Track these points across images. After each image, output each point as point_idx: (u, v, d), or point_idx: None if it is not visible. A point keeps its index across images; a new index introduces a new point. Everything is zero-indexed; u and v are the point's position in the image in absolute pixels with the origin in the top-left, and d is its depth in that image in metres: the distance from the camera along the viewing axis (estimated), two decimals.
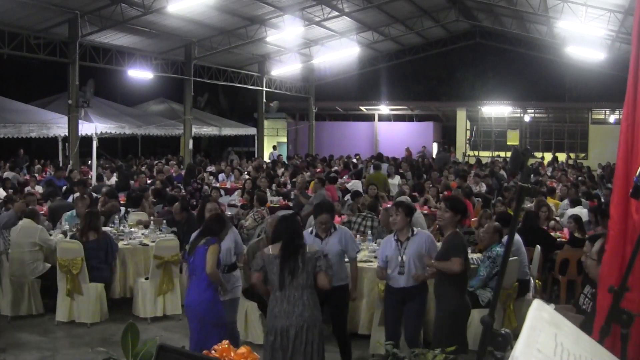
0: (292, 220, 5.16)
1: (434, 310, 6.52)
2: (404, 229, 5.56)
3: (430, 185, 13.66)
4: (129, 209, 10.10)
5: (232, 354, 2.36)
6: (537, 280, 7.81)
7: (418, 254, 5.49)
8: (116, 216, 9.47)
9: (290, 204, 12.42)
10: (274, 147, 28.43)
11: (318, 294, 4.96)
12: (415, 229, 5.72)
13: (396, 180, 15.23)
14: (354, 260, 5.95)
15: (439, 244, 7.65)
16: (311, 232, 5.85)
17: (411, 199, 10.44)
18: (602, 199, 11.90)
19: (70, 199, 10.94)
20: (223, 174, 17.53)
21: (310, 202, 10.95)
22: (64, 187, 12.74)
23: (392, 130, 30.71)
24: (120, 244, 8.08)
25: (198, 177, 14.97)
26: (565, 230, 9.32)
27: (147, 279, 7.71)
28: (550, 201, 11.35)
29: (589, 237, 4.77)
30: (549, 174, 19.34)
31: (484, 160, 23.12)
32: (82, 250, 7.39)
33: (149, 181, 14.90)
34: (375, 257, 7.12)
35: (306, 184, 13.60)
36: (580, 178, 16.40)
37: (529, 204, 10.55)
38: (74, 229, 8.28)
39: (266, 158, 26.16)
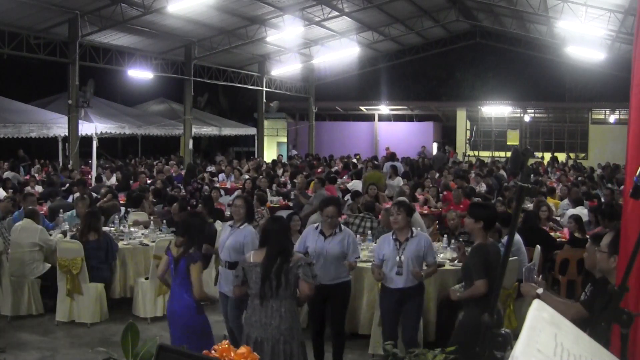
0: (280, 228, 4.84)
1: (434, 310, 6.54)
2: (404, 229, 5.54)
3: (430, 185, 13.67)
4: (129, 209, 10.10)
5: (232, 354, 2.36)
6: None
7: (417, 256, 5.48)
8: (116, 216, 9.47)
9: (291, 204, 12.43)
10: (294, 146, 28.63)
11: (319, 291, 4.93)
12: (414, 230, 5.69)
13: (396, 181, 15.21)
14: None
15: (438, 244, 7.69)
16: (316, 228, 5.83)
17: (412, 199, 10.44)
18: (602, 199, 11.90)
19: (70, 199, 10.96)
20: (223, 174, 17.54)
21: (310, 202, 10.96)
22: (67, 185, 12.76)
23: (392, 130, 30.72)
24: (120, 244, 8.08)
25: (198, 177, 14.97)
26: (565, 230, 9.32)
27: (147, 279, 7.70)
28: (550, 201, 11.34)
29: (591, 236, 4.76)
30: (549, 175, 19.34)
31: (485, 161, 23.13)
32: (82, 250, 7.38)
33: (148, 181, 14.90)
34: None
35: (306, 184, 13.60)
36: (580, 178, 16.41)
37: (528, 204, 10.55)
38: (74, 229, 8.28)
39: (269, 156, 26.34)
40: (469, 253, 5.11)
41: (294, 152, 27.40)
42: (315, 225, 5.95)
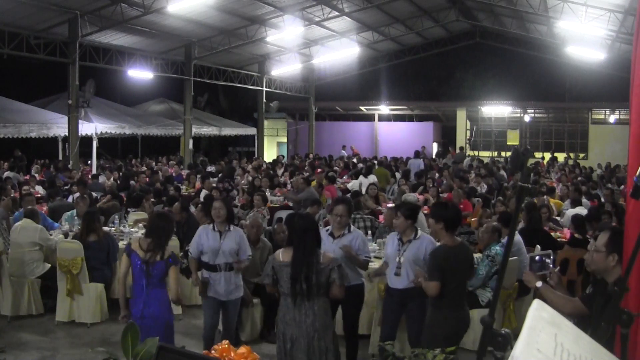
0: (306, 227, 4.72)
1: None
2: (407, 230, 5.51)
3: (430, 185, 13.66)
4: (129, 209, 10.10)
5: (232, 354, 2.36)
6: None
7: (415, 259, 5.38)
8: (116, 216, 9.47)
9: (290, 203, 12.43)
10: (344, 147, 27.94)
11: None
12: (420, 231, 5.61)
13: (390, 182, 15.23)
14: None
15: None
16: (327, 230, 5.81)
17: None
18: (602, 199, 11.91)
19: (70, 199, 10.95)
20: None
21: (299, 199, 11.05)
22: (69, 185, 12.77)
23: (392, 130, 30.72)
24: (121, 244, 8.06)
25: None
26: (566, 230, 9.31)
27: None
28: (551, 201, 11.34)
29: (594, 237, 4.75)
30: (549, 175, 19.35)
31: (485, 161, 23.12)
32: (82, 250, 7.38)
33: (147, 180, 14.88)
34: (376, 257, 7.11)
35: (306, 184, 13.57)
36: (579, 178, 16.42)
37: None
38: (74, 229, 8.27)
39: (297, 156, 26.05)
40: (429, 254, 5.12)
41: (344, 152, 26.66)
42: (326, 228, 5.93)
